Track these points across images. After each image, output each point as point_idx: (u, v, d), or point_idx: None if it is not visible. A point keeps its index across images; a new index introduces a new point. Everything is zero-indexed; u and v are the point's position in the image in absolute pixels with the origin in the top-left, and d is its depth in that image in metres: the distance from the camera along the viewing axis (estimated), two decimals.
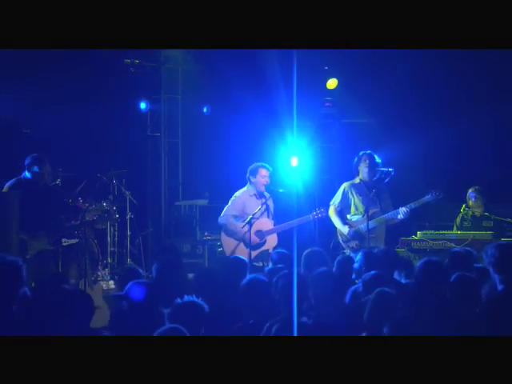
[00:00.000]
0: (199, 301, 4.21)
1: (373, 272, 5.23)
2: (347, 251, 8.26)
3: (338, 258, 6.28)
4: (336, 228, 8.44)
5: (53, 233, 7.73)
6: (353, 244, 8.20)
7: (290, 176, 9.83)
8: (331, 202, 8.44)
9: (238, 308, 5.11)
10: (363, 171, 8.35)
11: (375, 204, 8.24)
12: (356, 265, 6.01)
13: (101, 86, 10.34)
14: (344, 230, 8.24)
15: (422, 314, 4.36)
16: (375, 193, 8.24)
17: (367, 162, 8.34)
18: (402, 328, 3.97)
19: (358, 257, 6.06)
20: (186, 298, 4.23)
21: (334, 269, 5.90)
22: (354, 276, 6.05)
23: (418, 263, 4.73)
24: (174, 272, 5.51)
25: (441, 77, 10.65)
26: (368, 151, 8.49)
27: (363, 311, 4.59)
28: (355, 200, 8.35)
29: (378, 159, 8.45)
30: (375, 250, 6.24)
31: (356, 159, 8.48)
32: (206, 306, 4.20)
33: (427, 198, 8.21)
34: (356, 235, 8.20)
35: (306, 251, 6.28)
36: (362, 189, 8.37)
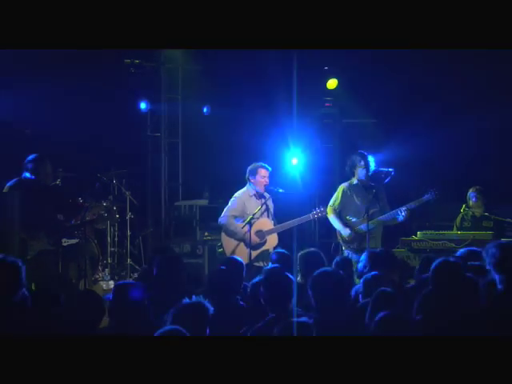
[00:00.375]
0: (205, 302, 4.21)
1: (374, 272, 5.24)
2: (345, 253, 8.25)
3: (336, 259, 6.28)
4: (335, 228, 8.44)
5: (53, 233, 7.73)
6: (354, 245, 8.19)
7: (290, 176, 9.85)
8: (329, 204, 8.41)
9: (237, 308, 5.11)
10: (360, 172, 8.33)
11: (374, 204, 8.23)
12: (360, 265, 6.00)
13: (101, 86, 10.34)
14: (345, 231, 8.23)
15: (437, 315, 4.34)
16: (374, 193, 8.23)
17: (363, 162, 8.33)
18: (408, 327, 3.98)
19: (362, 257, 6.06)
20: (194, 298, 4.23)
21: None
22: (356, 276, 6.06)
23: (433, 263, 4.66)
24: (174, 269, 5.50)
25: (441, 77, 10.65)
26: (363, 151, 8.49)
27: (363, 311, 4.59)
28: (354, 201, 8.33)
29: (373, 159, 8.45)
30: (379, 251, 6.23)
31: (352, 160, 8.45)
32: (211, 308, 4.20)
33: (426, 197, 8.21)
34: (357, 236, 8.19)
35: (302, 252, 6.26)
36: (360, 189, 8.35)
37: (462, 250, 6.04)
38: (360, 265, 6.01)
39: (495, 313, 4.38)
